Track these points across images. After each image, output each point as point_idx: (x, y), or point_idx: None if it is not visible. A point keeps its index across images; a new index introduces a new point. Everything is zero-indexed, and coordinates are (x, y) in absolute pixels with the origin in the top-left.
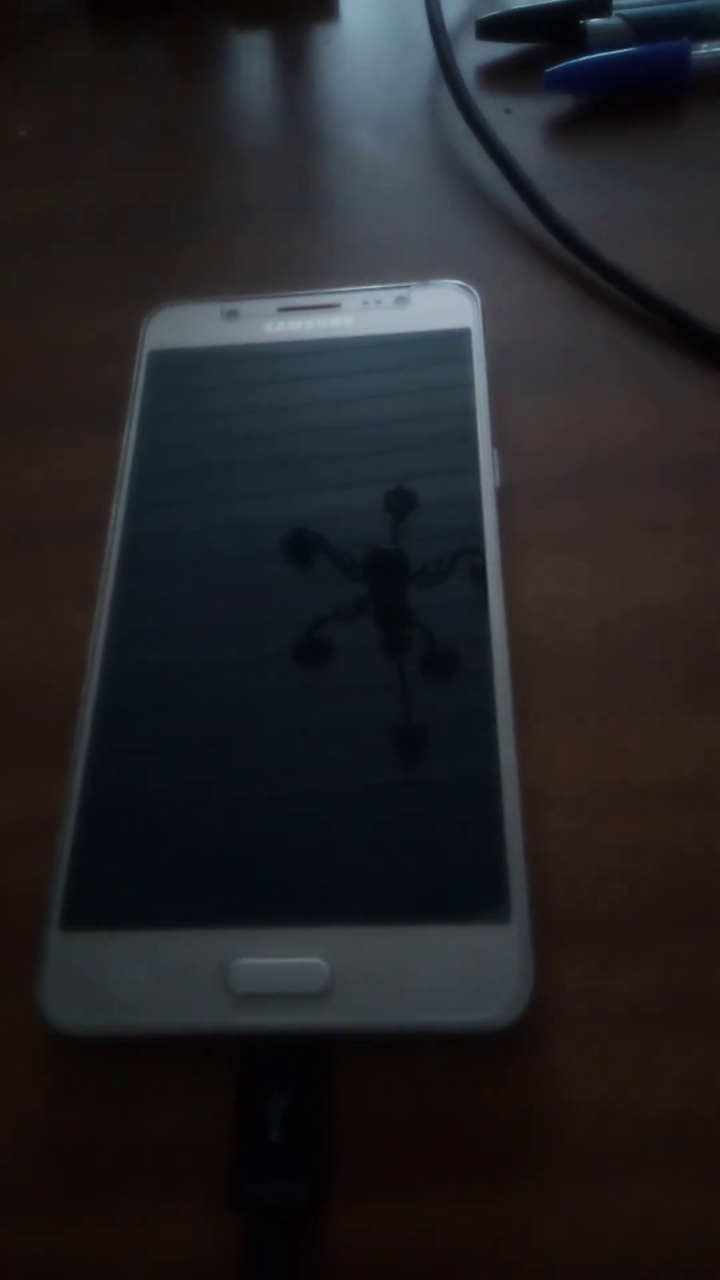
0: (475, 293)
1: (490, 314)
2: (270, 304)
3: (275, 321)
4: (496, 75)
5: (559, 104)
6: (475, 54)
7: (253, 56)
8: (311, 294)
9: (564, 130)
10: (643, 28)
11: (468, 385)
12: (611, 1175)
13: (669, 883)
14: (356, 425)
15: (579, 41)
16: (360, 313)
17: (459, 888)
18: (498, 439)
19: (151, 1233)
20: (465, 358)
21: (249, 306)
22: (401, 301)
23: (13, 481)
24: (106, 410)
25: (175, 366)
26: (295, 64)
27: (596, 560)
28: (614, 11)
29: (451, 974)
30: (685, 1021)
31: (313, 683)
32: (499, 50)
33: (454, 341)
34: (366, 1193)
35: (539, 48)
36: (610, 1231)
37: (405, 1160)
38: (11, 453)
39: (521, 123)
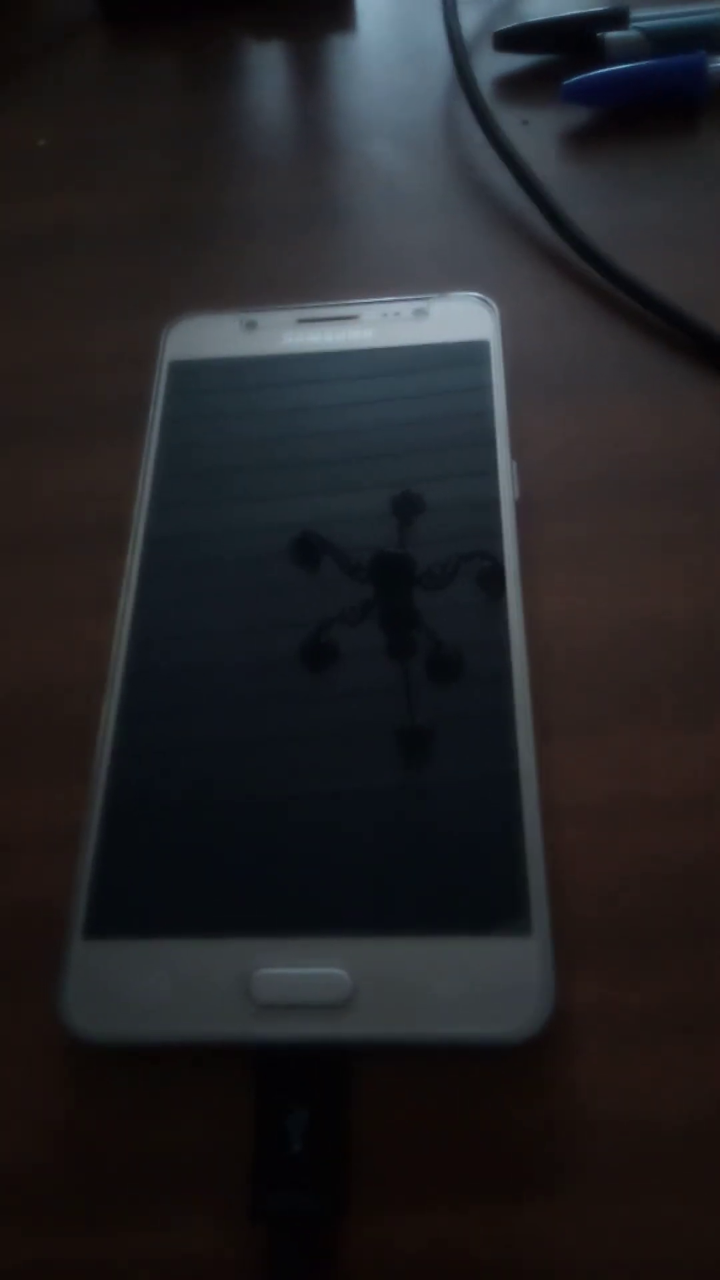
0: (494, 305)
1: (504, 324)
2: (289, 315)
3: (294, 333)
4: (513, 87)
5: (576, 116)
6: (492, 65)
7: (269, 67)
8: (330, 305)
9: (581, 142)
10: (660, 40)
11: (487, 397)
12: (631, 1188)
13: (686, 894)
14: (376, 437)
15: (596, 54)
16: (379, 324)
17: (480, 900)
18: (514, 451)
19: (170, 1242)
20: (484, 370)
21: (268, 318)
22: (420, 313)
23: (30, 491)
24: (123, 420)
25: (195, 377)
26: (311, 75)
27: (610, 572)
28: (631, 24)
29: (472, 986)
30: (704, 1034)
31: (334, 691)
32: (515, 62)
33: (473, 354)
34: (385, 1205)
35: (556, 59)
36: (629, 1245)
37: (424, 1173)
38: (28, 462)
39: (538, 134)
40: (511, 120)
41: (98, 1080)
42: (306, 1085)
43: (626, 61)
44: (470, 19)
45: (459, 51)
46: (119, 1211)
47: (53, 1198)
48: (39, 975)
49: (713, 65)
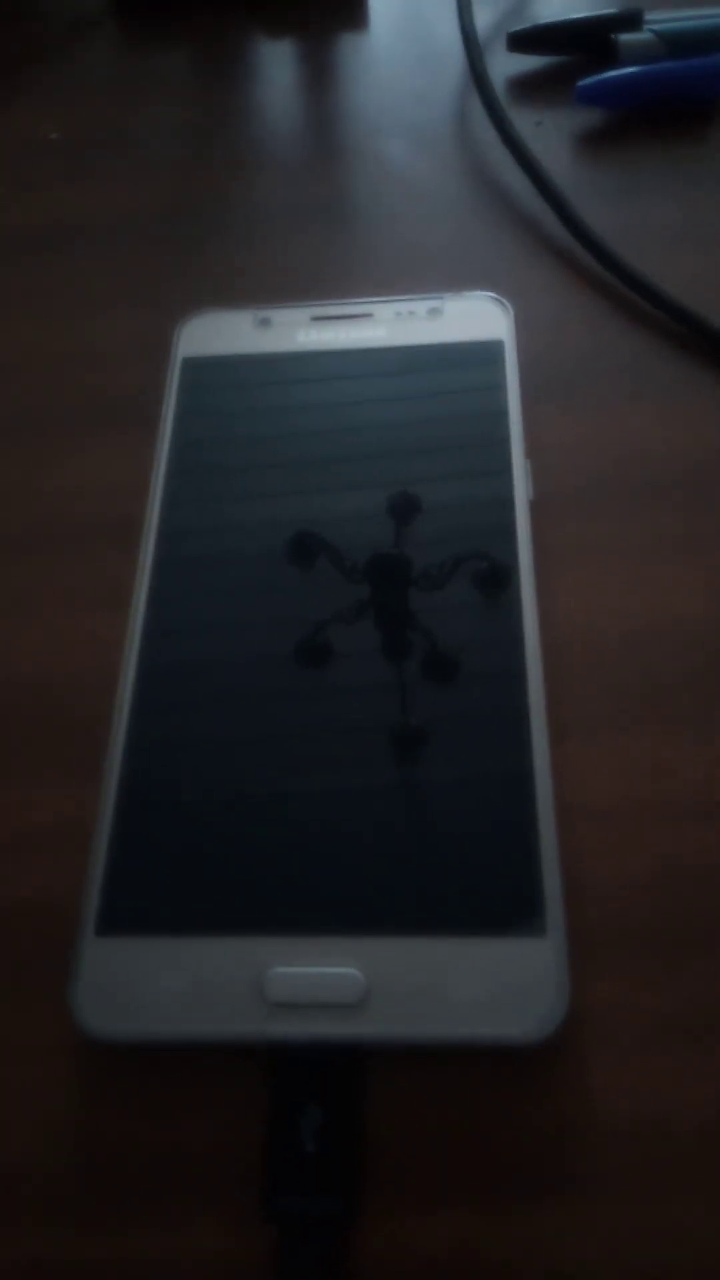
0: (508, 305)
1: (519, 325)
2: (303, 313)
3: (308, 331)
4: (526, 87)
5: (589, 117)
6: (505, 66)
7: (280, 64)
8: (344, 304)
9: (594, 143)
10: (674, 43)
11: (501, 397)
12: (645, 1190)
13: (702, 896)
14: (389, 435)
15: (610, 55)
16: (393, 323)
17: (496, 900)
18: (528, 451)
19: (182, 1242)
20: (498, 369)
21: (282, 315)
22: (434, 312)
23: (43, 485)
24: (133, 415)
25: (209, 374)
26: (323, 73)
27: (624, 573)
28: (646, 26)
29: (487, 987)
30: (718, 1035)
31: (351, 689)
32: (529, 63)
33: (487, 353)
34: (399, 1206)
35: (569, 61)
36: (644, 1247)
37: (438, 1173)
38: (38, 457)
39: (552, 135)
40: (525, 121)
41: (109, 1078)
42: (320, 1085)
43: (640, 63)
44: (484, 19)
45: (473, 51)
46: (130, 1210)
47: (64, 1196)
48: (51, 973)
49: None
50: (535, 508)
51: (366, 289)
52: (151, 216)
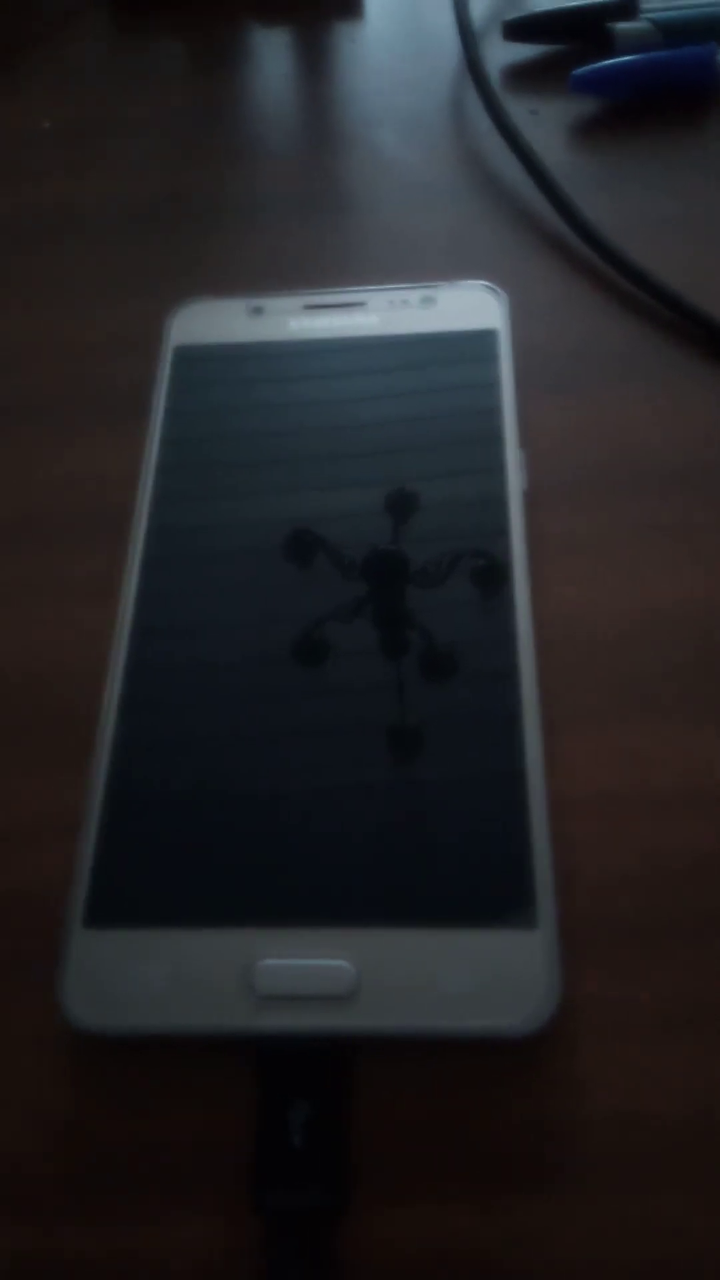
0: (502, 294)
1: (513, 314)
2: (296, 301)
3: (301, 319)
4: (521, 76)
5: (584, 106)
6: (500, 55)
7: (275, 53)
8: (337, 292)
9: (589, 132)
10: (670, 31)
11: (495, 386)
12: (634, 1183)
13: (690, 888)
14: (382, 425)
15: (606, 44)
16: (386, 312)
17: (486, 892)
18: (521, 440)
19: (170, 1236)
20: (492, 358)
21: (274, 303)
22: (428, 301)
23: (31, 476)
24: (125, 405)
25: (200, 362)
26: (318, 61)
27: (615, 564)
28: (641, 14)
29: (477, 979)
30: (710, 1029)
31: (340, 682)
32: (524, 51)
33: (481, 342)
34: (388, 1199)
35: (565, 50)
36: (632, 1240)
37: (427, 1166)
38: (29, 447)
39: (547, 124)
40: (520, 110)
41: (97, 1071)
42: (309, 1078)
43: (636, 52)
44: (479, 8)
45: (468, 40)
46: (117, 1204)
47: (50, 1190)
48: (38, 965)
49: None
50: (529, 498)
51: (361, 278)
52: (144, 206)
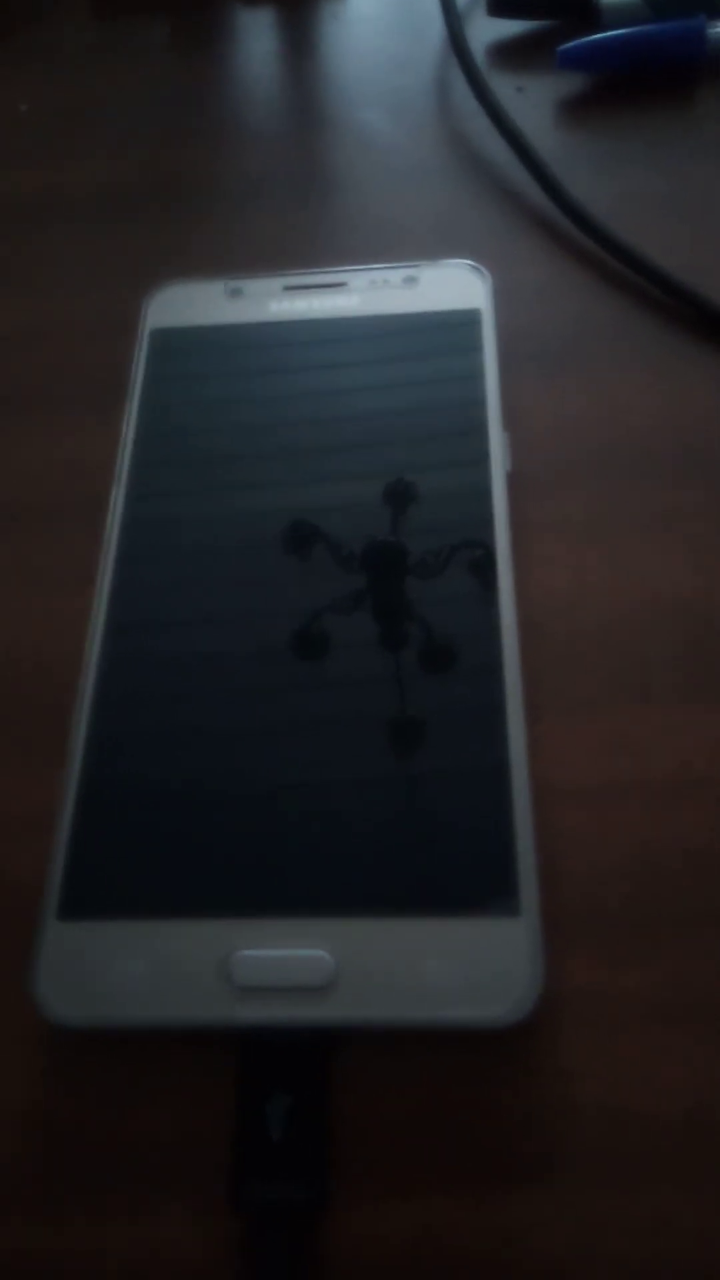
0: (486, 273)
1: (499, 295)
2: (275, 282)
3: (280, 300)
4: (508, 53)
5: (572, 82)
6: (486, 31)
7: (258, 33)
8: (318, 273)
9: (577, 109)
10: (659, 5)
11: (478, 367)
12: (620, 1177)
13: (679, 878)
14: (363, 406)
15: (593, 19)
16: (367, 292)
17: (468, 880)
18: (507, 423)
19: (149, 1232)
20: (475, 339)
21: (253, 285)
22: (410, 281)
23: (9, 462)
24: (105, 391)
25: (177, 345)
26: (302, 41)
27: (605, 548)
28: None
29: (459, 968)
30: (697, 1020)
31: (319, 673)
32: (510, 27)
33: (464, 322)
34: (370, 1193)
35: (551, 25)
36: (619, 1235)
37: (409, 1160)
38: (7, 433)
39: (533, 102)
40: (506, 87)
41: (72, 1065)
42: (288, 1070)
43: (624, 26)
44: None
45: (452, 17)
46: (94, 1200)
47: (25, 1185)
48: (12, 957)
49: (713, 30)
50: (516, 481)
51: (346, 259)
52: (125, 188)
